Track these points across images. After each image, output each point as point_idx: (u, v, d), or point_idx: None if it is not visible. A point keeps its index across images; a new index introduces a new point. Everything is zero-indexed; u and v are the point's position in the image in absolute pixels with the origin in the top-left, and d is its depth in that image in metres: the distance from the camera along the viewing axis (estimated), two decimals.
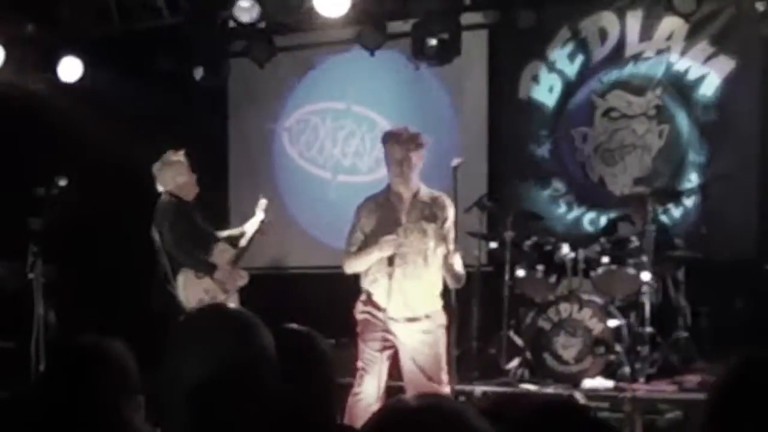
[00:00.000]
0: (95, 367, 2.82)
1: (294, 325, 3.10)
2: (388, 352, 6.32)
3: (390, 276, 6.17)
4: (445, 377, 6.29)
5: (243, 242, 7.94)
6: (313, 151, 10.70)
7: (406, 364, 6.27)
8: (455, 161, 6.44)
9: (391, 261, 6.18)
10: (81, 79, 9.95)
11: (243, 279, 7.79)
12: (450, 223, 6.30)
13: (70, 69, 9.93)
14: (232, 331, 2.51)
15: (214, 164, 10.68)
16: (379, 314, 6.28)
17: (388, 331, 6.28)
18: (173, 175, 7.68)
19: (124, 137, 9.87)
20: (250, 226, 8.03)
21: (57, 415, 2.78)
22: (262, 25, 9.54)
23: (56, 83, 9.95)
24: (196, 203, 7.82)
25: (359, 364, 6.33)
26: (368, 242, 6.30)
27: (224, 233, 8.06)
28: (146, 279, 7.81)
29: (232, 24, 9.53)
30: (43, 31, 9.90)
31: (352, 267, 6.43)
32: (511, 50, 9.99)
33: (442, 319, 6.33)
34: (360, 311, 6.39)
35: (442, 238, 6.20)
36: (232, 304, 7.60)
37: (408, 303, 6.25)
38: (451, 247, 6.23)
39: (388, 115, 10.38)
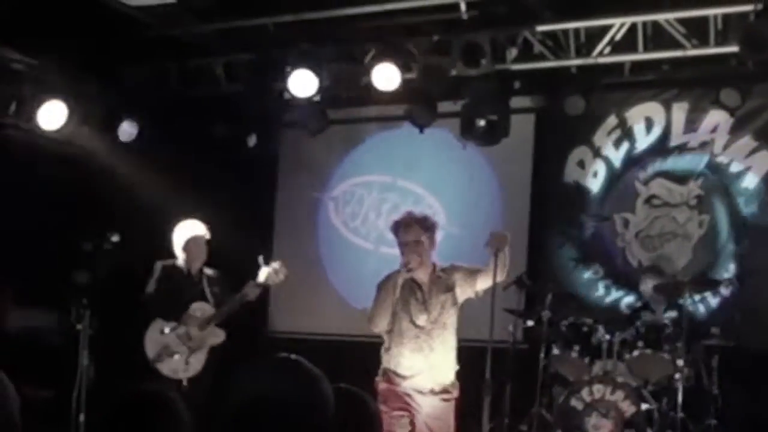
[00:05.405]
0: (155, 415, 2.90)
1: (345, 385, 3.16)
2: (409, 419, 6.43)
3: (416, 353, 6.44)
4: None
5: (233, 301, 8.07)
6: (357, 222, 10.83)
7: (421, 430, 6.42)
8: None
9: (416, 338, 6.45)
10: (137, 140, 10.25)
11: (217, 337, 8.07)
12: (464, 265, 6.58)
13: (128, 129, 10.21)
14: (294, 377, 2.66)
15: (259, 228, 10.88)
16: (399, 388, 6.44)
17: (410, 399, 6.43)
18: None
19: (174, 198, 10.09)
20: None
21: None
22: (317, 98, 9.79)
23: (113, 142, 10.24)
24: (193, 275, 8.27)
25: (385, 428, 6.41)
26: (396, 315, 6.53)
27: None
28: None
29: (287, 95, 9.78)
30: (105, 92, 10.22)
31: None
32: (558, 135, 10.14)
33: (457, 391, 6.52)
34: (380, 383, 6.55)
35: (471, 274, 6.49)
36: (199, 361, 7.99)
37: (434, 377, 6.45)
38: (482, 267, 6.46)
39: (433, 190, 10.52)
